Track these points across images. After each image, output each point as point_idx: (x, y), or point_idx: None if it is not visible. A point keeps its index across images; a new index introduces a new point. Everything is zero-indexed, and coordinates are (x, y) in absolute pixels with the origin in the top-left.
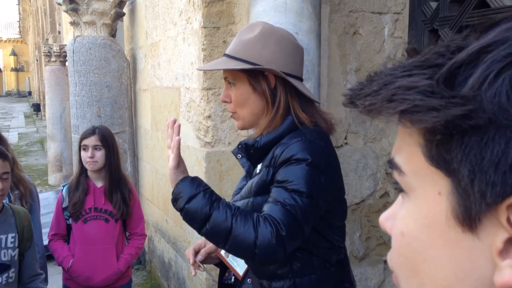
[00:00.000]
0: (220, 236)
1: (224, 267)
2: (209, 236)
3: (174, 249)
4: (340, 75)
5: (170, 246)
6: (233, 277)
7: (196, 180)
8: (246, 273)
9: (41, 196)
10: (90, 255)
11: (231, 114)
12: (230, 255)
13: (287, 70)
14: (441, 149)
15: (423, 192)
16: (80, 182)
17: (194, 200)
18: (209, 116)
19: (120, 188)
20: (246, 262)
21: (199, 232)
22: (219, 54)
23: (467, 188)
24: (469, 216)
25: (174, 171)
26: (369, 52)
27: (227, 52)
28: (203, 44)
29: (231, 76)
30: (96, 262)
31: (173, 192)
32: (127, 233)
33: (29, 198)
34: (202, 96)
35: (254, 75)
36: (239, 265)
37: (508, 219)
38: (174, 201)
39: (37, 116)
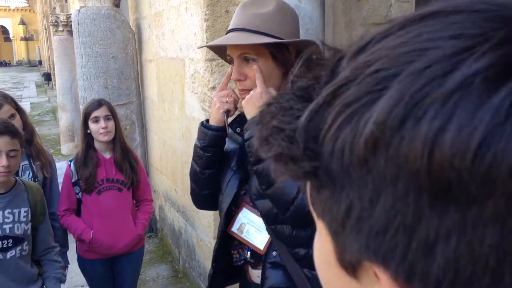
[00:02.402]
0: (267, 180)
1: (228, 249)
2: (259, 174)
3: (184, 218)
4: (345, 42)
5: (179, 215)
6: (249, 253)
7: None
8: (269, 246)
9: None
10: (110, 224)
11: (245, 93)
12: (245, 231)
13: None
14: (313, 193)
15: (321, 228)
16: (88, 156)
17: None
18: (213, 88)
19: (127, 158)
20: (274, 233)
21: (253, 166)
22: (221, 24)
23: (333, 238)
24: (345, 264)
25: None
26: (375, 18)
27: (240, 26)
28: (206, 14)
29: (253, 51)
30: (116, 230)
31: (249, 120)
32: (135, 200)
33: (49, 168)
34: (206, 67)
35: (280, 49)
36: (257, 239)
37: (376, 274)
38: (246, 129)
39: (48, 86)
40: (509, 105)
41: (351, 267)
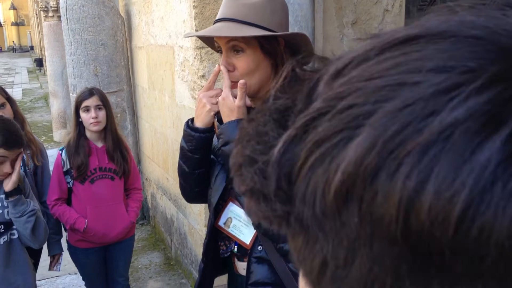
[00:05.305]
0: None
1: (215, 243)
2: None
3: (175, 206)
4: (336, 28)
5: (171, 203)
6: (235, 246)
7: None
8: (255, 240)
9: (48, 152)
10: (103, 213)
11: (233, 84)
12: (231, 225)
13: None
14: (289, 238)
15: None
16: (80, 145)
17: (229, 145)
18: (203, 76)
19: (119, 147)
20: (258, 228)
21: (229, 175)
22: (210, 11)
23: None
24: None
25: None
26: (366, 4)
27: (229, 16)
28: (194, 1)
29: (242, 41)
30: (110, 219)
31: (220, 127)
32: (124, 189)
33: (40, 157)
34: (196, 55)
35: (269, 40)
36: (244, 234)
37: None
38: (218, 136)
39: (40, 72)
40: (496, 165)
41: None
